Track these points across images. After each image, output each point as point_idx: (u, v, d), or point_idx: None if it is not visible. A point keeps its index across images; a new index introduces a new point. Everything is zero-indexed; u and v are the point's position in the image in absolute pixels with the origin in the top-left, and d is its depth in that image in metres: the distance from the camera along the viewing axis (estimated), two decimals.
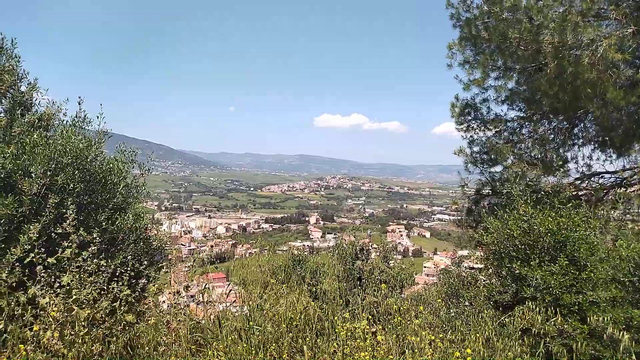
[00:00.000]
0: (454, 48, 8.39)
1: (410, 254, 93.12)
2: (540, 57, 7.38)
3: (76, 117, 6.59)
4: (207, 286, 5.11)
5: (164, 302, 5.61)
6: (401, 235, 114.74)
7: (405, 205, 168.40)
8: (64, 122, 6.67)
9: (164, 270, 6.37)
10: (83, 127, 6.60)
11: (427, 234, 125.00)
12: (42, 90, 7.13)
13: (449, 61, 8.61)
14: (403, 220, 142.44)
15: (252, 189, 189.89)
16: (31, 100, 7.07)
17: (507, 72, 8.50)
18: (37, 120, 6.62)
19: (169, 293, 5.24)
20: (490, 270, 6.03)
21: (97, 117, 6.65)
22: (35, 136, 5.95)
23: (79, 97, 6.77)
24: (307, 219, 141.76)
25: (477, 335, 3.30)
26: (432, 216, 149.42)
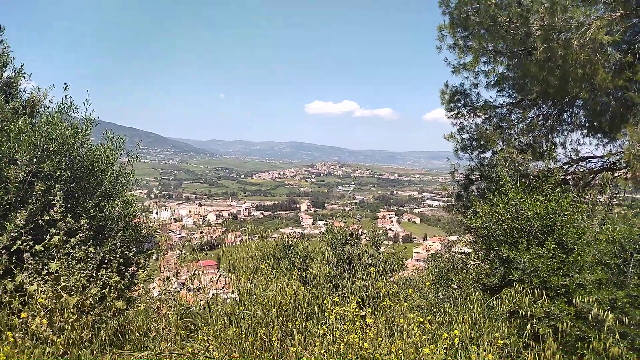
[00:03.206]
0: (444, 30, 8.35)
1: (400, 239, 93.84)
2: (529, 41, 7.38)
3: (62, 103, 6.48)
4: (197, 272, 5.11)
5: (154, 289, 5.60)
6: (391, 222, 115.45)
7: (395, 192, 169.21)
8: (50, 108, 6.56)
9: (154, 257, 6.34)
10: (69, 114, 6.49)
11: (417, 220, 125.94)
12: (26, 76, 7.00)
13: (439, 43, 8.58)
14: (393, 206, 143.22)
15: (242, 176, 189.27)
16: (16, 87, 6.93)
17: (497, 56, 8.49)
18: (21, 107, 6.50)
19: (159, 280, 5.23)
20: (479, 254, 6.10)
21: (84, 104, 6.54)
22: (20, 123, 5.84)
23: (65, 84, 6.63)
24: (297, 206, 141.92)
25: (465, 317, 3.34)
26: (422, 202, 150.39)
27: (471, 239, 6.05)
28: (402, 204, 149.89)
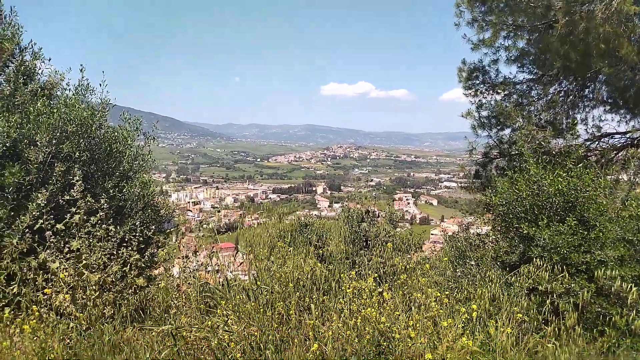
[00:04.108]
0: (462, 6, 8.13)
1: (417, 221, 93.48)
2: (550, 14, 7.14)
3: (79, 85, 6.54)
4: (215, 251, 5.17)
5: (173, 267, 5.69)
6: (408, 204, 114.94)
7: (412, 174, 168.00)
8: (67, 91, 6.64)
9: (173, 239, 6.41)
10: (86, 95, 6.56)
11: (435, 202, 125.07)
12: (45, 60, 7.07)
13: (457, 20, 8.37)
14: (410, 188, 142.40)
15: (258, 159, 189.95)
16: (34, 70, 7.01)
17: (517, 31, 8.25)
18: (40, 89, 6.58)
19: (178, 258, 5.30)
20: (498, 232, 6.03)
21: (100, 85, 6.59)
22: (39, 104, 5.92)
23: (81, 65, 6.67)
24: (314, 188, 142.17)
25: (483, 292, 3.31)
26: (439, 184, 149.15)
27: (490, 217, 5.97)
28: (419, 185, 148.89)
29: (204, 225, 6.59)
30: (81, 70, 6.56)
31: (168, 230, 6.14)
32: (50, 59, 7.07)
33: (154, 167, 7.50)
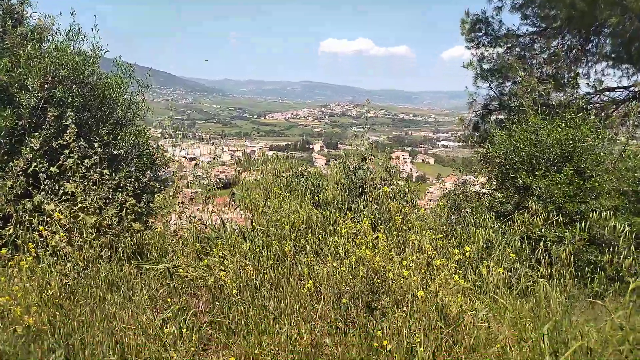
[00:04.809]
0: None
1: (413, 180, 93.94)
2: None
3: (70, 30, 6.33)
4: (211, 198, 5.18)
5: (170, 214, 5.70)
6: (405, 162, 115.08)
7: (410, 132, 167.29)
8: (58, 35, 6.44)
9: (170, 194, 6.35)
10: (78, 40, 6.37)
11: (432, 161, 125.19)
12: (32, 3, 6.83)
13: None
14: (407, 147, 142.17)
15: (255, 116, 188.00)
16: (22, 13, 6.76)
17: None
18: (30, 33, 6.37)
19: (175, 206, 5.29)
20: (494, 183, 6.03)
21: (92, 30, 6.39)
22: (29, 48, 5.74)
23: (72, 8, 6.43)
24: (311, 146, 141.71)
25: (477, 233, 3.34)
26: (437, 143, 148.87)
27: (487, 167, 5.96)
28: (417, 144, 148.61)
29: (201, 181, 6.56)
30: (72, 14, 6.33)
31: (164, 177, 6.12)
32: (37, 1, 6.82)
33: (148, 121, 7.41)
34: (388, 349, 2.27)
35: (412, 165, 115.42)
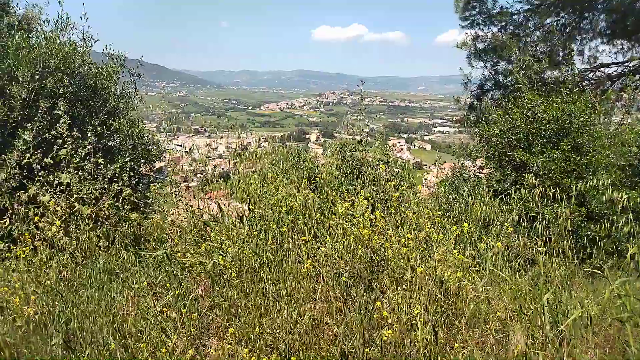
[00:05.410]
0: None
1: (410, 167, 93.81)
2: None
3: (59, 19, 6.25)
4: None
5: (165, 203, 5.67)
6: (402, 149, 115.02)
7: (406, 119, 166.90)
8: (46, 24, 6.36)
9: (168, 189, 6.30)
10: (67, 30, 6.29)
11: (428, 147, 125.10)
12: None
13: None
14: (404, 134, 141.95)
15: (250, 107, 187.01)
16: (9, 2, 6.67)
17: None
18: (17, 23, 6.28)
19: (172, 194, 5.25)
20: (491, 163, 6.03)
21: (81, 19, 6.30)
22: (17, 38, 5.66)
23: None
24: (307, 136, 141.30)
25: (475, 207, 3.33)
26: (433, 129, 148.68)
27: (483, 146, 5.95)
28: (413, 131, 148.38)
29: (198, 175, 6.52)
30: (60, 2, 6.24)
31: (158, 167, 6.09)
32: None
33: (143, 115, 7.35)
34: (388, 322, 2.26)
35: (409, 152, 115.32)
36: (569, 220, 4.56)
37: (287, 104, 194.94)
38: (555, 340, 2.25)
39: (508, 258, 3.27)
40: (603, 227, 4.59)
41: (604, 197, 4.50)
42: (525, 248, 3.03)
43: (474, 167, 7.74)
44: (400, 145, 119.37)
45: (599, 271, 3.25)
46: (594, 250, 4.40)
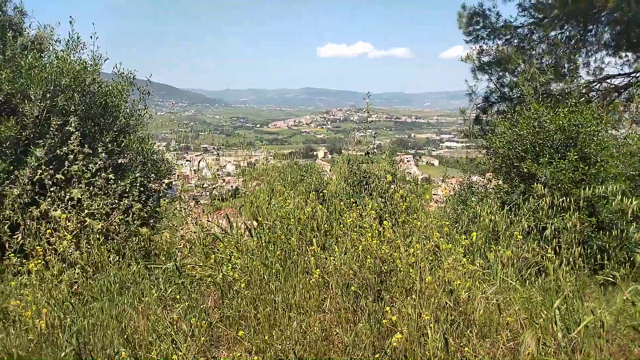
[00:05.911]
0: None
1: (419, 182, 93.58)
2: None
3: (70, 38, 6.41)
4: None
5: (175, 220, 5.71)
6: (409, 163, 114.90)
7: (413, 135, 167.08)
8: (58, 44, 6.53)
9: (177, 207, 6.34)
10: (77, 49, 6.44)
11: (436, 162, 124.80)
12: (29, 14, 6.93)
13: None
14: (411, 149, 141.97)
15: (258, 125, 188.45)
16: (21, 24, 6.86)
17: None
18: (30, 43, 6.45)
19: (182, 209, 5.30)
20: (499, 175, 6.01)
21: (91, 38, 6.44)
22: (29, 58, 5.81)
23: (70, 17, 6.49)
24: (315, 153, 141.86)
25: (483, 216, 3.32)
26: (440, 144, 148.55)
27: (490, 160, 5.94)
28: (420, 147, 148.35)
29: (207, 193, 6.57)
30: (71, 23, 6.40)
31: (168, 182, 6.14)
32: (33, 10, 6.92)
33: (153, 135, 7.46)
34: (398, 328, 2.25)
35: (416, 168, 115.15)
36: (579, 230, 4.54)
37: (294, 121, 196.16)
38: (568, 348, 2.22)
39: (518, 267, 3.25)
40: (614, 234, 4.56)
41: (614, 205, 4.48)
42: (535, 257, 3.01)
43: (482, 180, 7.72)
44: (408, 161, 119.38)
45: (611, 278, 3.22)
46: (605, 261, 4.35)
